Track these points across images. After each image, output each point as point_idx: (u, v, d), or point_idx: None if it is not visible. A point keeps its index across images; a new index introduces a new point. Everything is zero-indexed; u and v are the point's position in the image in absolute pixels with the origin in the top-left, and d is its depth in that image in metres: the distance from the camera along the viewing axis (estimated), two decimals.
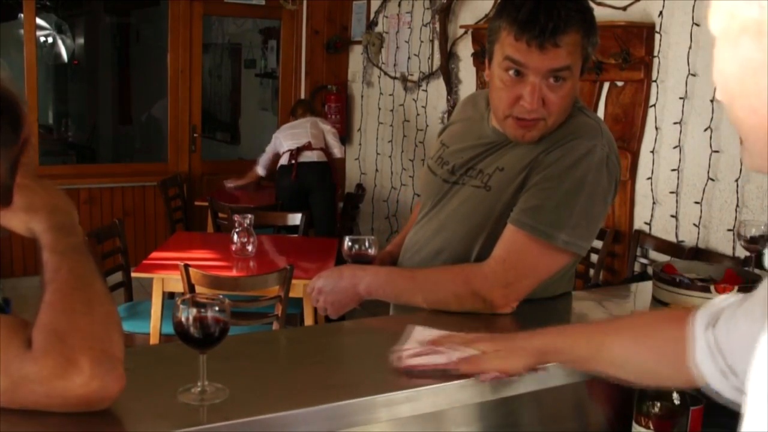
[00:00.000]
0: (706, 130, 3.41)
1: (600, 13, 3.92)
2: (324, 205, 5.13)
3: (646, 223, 3.77)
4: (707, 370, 0.93)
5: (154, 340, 3.32)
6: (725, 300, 0.97)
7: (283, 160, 5.14)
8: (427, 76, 5.33)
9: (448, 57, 5.08)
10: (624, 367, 1.10)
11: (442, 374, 1.20)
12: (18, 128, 1.07)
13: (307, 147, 5.08)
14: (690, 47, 3.46)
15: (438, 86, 5.23)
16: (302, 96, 6.22)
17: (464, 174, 1.61)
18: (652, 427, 1.22)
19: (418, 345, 1.23)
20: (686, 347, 0.96)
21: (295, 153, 5.07)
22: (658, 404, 1.22)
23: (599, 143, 1.48)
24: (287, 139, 5.17)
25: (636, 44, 3.67)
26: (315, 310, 3.35)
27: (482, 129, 1.63)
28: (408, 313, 1.55)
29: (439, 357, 1.20)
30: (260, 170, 5.41)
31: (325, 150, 5.17)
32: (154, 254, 3.74)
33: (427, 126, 5.38)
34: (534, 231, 1.44)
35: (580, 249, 1.48)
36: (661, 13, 3.60)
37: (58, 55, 8.13)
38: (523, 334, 1.23)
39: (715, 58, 0.60)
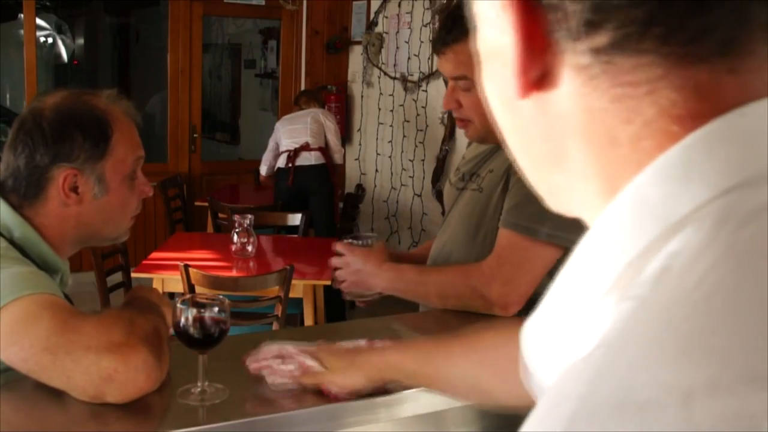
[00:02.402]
0: None
1: None
2: (323, 208, 5.04)
3: None
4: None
5: None
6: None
7: (281, 162, 5.07)
8: (427, 76, 5.33)
9: None
10: (463, 387, 1.04)
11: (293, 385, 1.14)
12: (101, 145, 1.27)
13: (305, 147, 5.00)
14: None
15: (438, 86, 5.23)
16: None
17: (469, 180, 1.69)
18: None
19: (267, 355, 1.17)
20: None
21: (293, 155, 4.99)
22: None
23: None
24: (286, 136, 5.08)
25: None
26: (315, 310, 3.37)
27: None
28: (410, 313, 1.56)
29: (283, 367, 1.14)
30: (262, 170, 5.32)
31: (324, 150, 5.09)
32: (154, 254, 3.74)
33: (427, 126, 5.38)
34: (517, 228, 1.50)
35: (567, 241, 1.49)
36: None
37: (58, 55, 8.12)
38: (366, 350, 1.17)
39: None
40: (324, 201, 5.08)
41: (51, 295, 1.10)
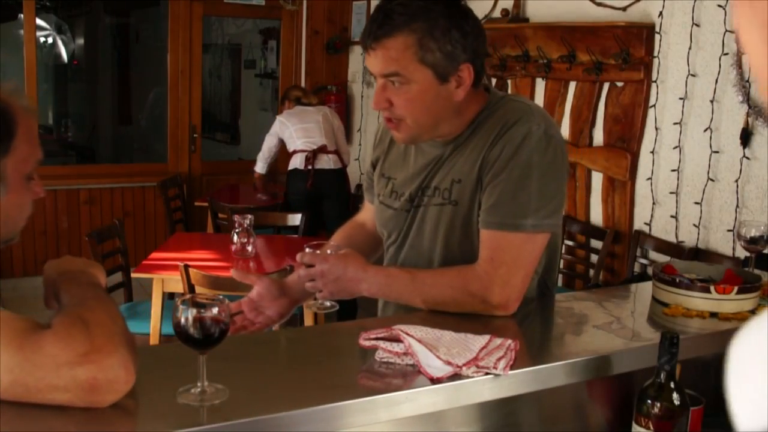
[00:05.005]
0: (705, 130, 3.41)
1: (600, 14, 3.93)
2: (337, 211, 4.89)
3: (646, 224, 3.77)
4: None
5: (154, 340, 3.32)
6: None
7: (298, 164, 4.93)
8: None
9: None
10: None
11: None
12: (5, 142, 1.16)
13: (323, 150, 4.91)
14: (690, 47, 3.46)
15: None
16: None
17: (422, 196, 1.62)
18: (652, 428, 1.22)
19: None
20: None
21: (311, 157, 4.88)
22: (658, 404, 1.22)
23: (534, 123, 1.50)
24: (299, 135, 4.94)
25: (636, 44, 3.67)
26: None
27: (420, 147, 1.64)
28: (408, 313, 1.55)
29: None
30: (259, 167, 5.18)
31: (338, 152, 5.03)
32: (154, 255, 3.74)
33: None
34: (502, 226, 1.48)
35: (551, 226, 1.51)
36: (661, 13, 3.60)
37: (58, 56, 8.13)
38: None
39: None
40: (339, 205, 5.01)
41: None
